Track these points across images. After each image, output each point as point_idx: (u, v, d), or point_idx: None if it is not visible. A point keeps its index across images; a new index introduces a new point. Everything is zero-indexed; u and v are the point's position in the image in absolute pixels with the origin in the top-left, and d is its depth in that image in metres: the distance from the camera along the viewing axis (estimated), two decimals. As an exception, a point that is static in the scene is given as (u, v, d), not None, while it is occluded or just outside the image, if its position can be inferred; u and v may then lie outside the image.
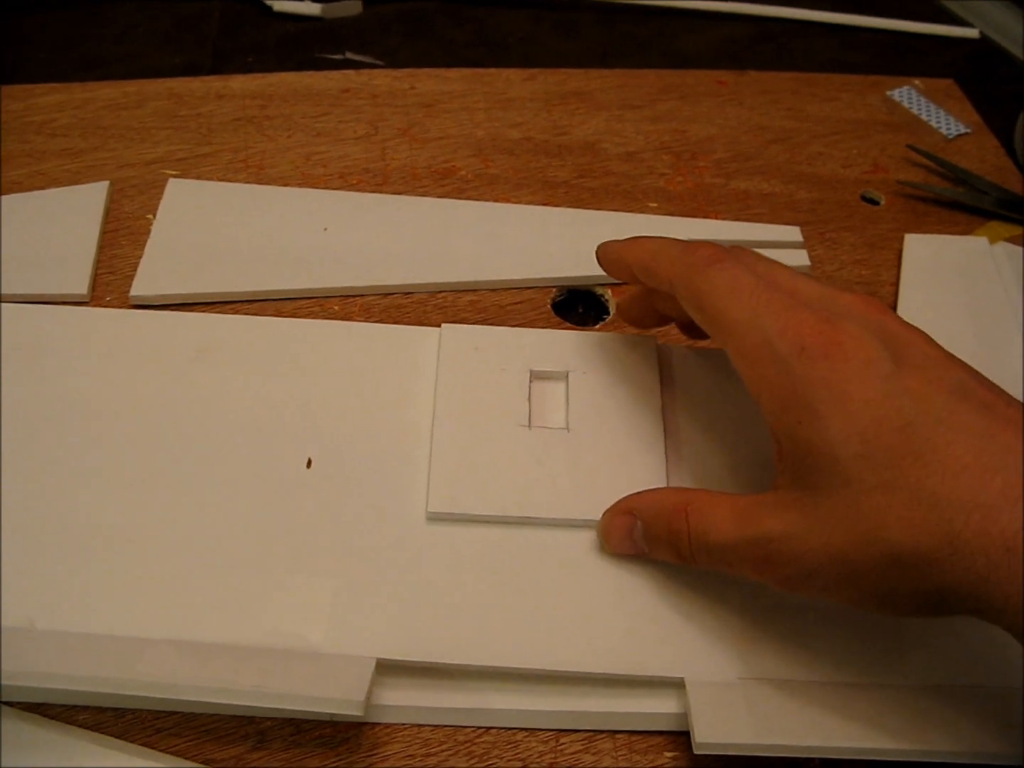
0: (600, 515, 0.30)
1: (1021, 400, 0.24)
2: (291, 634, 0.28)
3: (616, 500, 0.30)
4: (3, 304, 0.35)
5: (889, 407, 0.23)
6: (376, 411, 0.33)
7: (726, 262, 0.27)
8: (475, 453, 0.32)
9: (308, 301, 0.38)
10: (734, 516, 0.26)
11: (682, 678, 0.28)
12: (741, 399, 0.35)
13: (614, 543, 0.30)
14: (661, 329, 0.38)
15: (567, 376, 0.34)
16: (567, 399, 0.33)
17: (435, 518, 0.30)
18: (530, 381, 0.34)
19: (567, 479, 0.31)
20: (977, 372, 0.25)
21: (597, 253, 0.33)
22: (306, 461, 0.32)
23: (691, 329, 0.33)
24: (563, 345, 0.35)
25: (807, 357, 0.24)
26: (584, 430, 0.33)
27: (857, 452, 0.23)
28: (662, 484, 0.31)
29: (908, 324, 0.26)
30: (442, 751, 0.27)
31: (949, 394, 0.23)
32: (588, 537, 0.31)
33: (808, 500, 0.24)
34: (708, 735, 0.26)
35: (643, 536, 0.29)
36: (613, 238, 0.41)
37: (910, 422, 0.23)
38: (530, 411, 0.33)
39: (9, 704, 0.26)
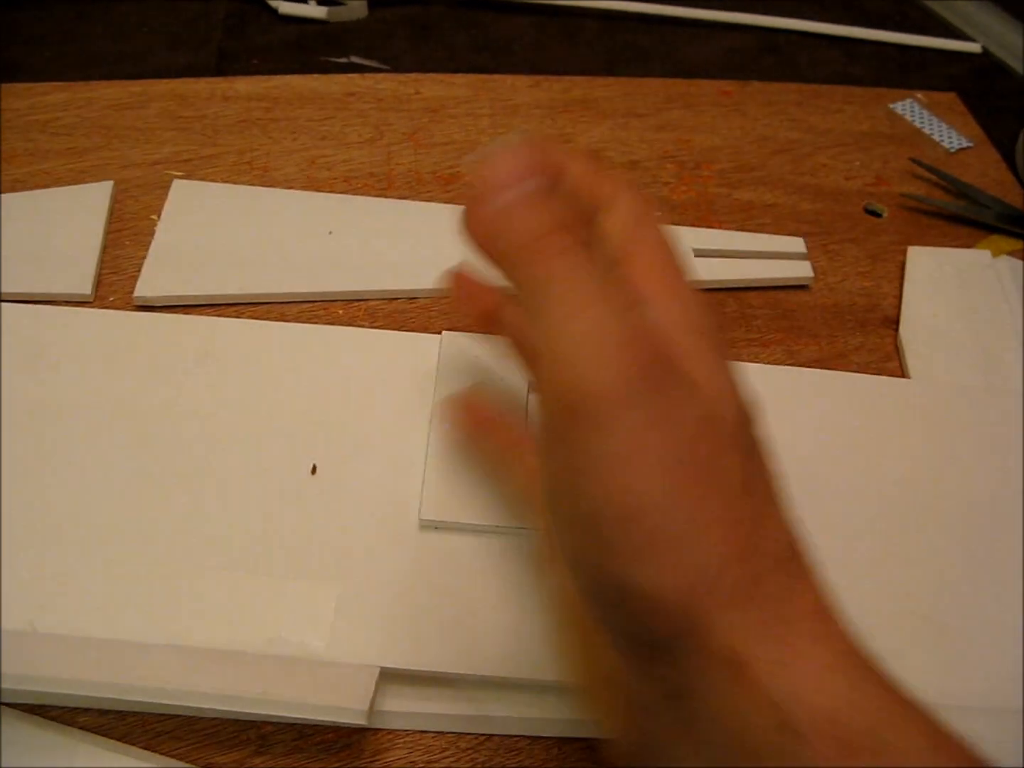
0: None
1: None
2: (294, 641, 0.28)
3: None
4: (5, 304, 0.35)
5: None
6: (378, 417, 0.33)
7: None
8: (471, 462, 0.31)
9: (312, 305, 0.38)
10: None
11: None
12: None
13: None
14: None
15: None
16: None
17: (428, 526, 0.30)
18: (528, 391, 0.34)
19: None
20: None
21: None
22: (310, 467, 0.32)
23: None
24: None
25: None
26: None
27: None
28: None
29: None
30: (444, 758, 0.27)
31: None
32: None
33: None
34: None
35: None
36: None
37: None
38: (528, 420, 0.33)
39: (9, 705, 0.26)
